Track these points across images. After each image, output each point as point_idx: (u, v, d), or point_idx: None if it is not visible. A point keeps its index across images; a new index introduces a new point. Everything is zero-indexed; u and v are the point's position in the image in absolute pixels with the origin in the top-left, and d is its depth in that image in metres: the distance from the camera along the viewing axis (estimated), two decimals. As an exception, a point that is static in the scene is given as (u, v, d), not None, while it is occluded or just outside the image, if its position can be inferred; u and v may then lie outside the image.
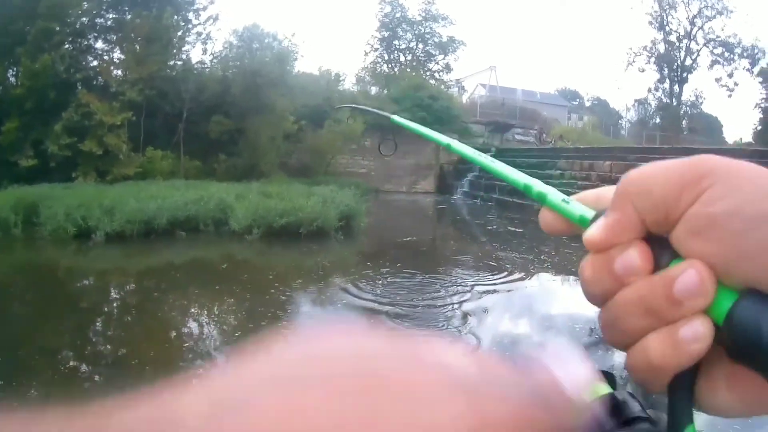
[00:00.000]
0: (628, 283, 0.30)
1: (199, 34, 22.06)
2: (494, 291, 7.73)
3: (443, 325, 6.00)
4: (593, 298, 0.32)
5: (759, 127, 45.73)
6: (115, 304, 7.22)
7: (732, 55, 45.96)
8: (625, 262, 0.30)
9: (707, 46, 46.33)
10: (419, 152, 26.60)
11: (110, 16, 20.76)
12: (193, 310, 6.77)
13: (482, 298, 7.24)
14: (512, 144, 31.15)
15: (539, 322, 6.43)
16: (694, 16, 45.73)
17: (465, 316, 6.37)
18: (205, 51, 22.58)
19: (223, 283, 7.62)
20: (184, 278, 8.26)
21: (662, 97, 49.84)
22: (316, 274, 8.42)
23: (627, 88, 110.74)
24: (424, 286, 7.66)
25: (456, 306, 6.78)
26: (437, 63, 41.48)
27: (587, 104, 70.30)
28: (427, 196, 25.96)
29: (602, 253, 0.31)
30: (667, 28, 46.64)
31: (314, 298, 7.23)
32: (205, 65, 22.65)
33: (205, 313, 6.67)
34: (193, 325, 6.25)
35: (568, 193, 0.37)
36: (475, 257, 10.86)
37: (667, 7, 45.90)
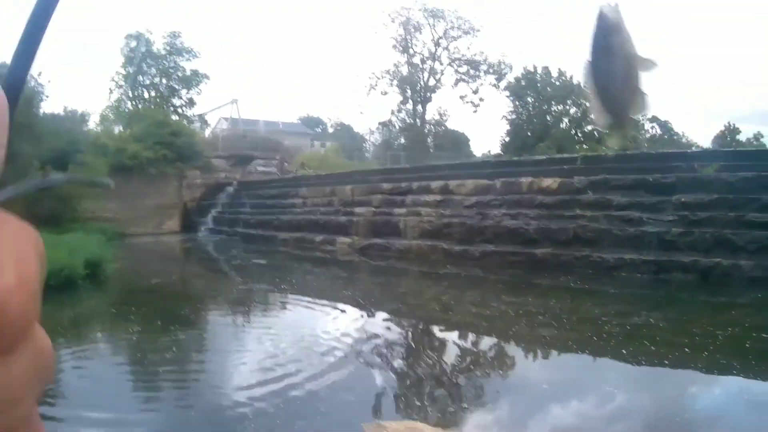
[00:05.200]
0: None
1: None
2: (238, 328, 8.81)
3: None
4: None
5: (507, 139, 49.21)
6: None
7: (478, 72, 48.18)
8: None
9: (452, 66, 48.45)
10: (162, 192, 26.62)
11: None
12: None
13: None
14: (255, 176, 31.85)
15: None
16: (440, 38, 47.44)
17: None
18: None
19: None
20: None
21: (406, 117, 51.21)
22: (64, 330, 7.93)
23: (371, 112, 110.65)
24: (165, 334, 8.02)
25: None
26: (181, 98, 40.64)
27: (330, 130, 71.04)
28: (173, 235, 25.83)
29: None
30: (411, 51, 47.91)
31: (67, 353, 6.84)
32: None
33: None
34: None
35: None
36: (221, 294, 11.95)
37: (413, 29, 47.23)
